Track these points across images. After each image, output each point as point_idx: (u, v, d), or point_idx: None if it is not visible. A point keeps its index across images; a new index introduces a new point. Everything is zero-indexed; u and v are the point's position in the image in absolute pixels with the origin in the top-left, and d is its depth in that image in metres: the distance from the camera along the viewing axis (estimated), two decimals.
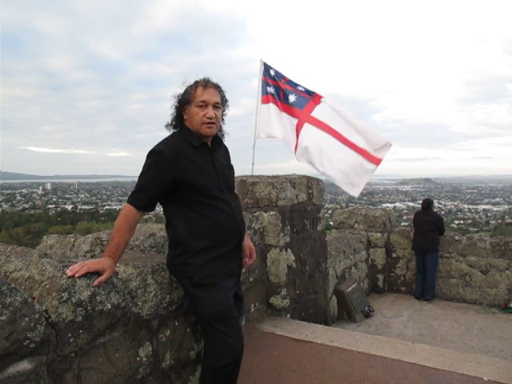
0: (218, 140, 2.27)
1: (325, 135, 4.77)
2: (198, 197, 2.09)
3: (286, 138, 4.94)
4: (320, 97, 4.99)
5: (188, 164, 2.07)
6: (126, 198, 2.11)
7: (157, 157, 2.06)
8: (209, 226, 2.10)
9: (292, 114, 4.98)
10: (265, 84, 5.14)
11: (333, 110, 4.91)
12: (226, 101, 2.25)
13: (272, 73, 5.16)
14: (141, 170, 2.09)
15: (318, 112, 4.91)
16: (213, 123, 2.12)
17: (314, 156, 4.72)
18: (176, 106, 2.19)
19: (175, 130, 2.23)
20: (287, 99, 5.02)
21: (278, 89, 5.13)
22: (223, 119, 2.28)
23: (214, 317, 2.08)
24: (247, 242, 2.45)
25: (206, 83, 2.14)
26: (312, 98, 5.01)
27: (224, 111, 2.26)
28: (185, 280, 2.18)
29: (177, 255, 2.17)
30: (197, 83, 2.15)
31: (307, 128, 4.84)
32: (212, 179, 2.13)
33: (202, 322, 2.18)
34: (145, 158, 2.10)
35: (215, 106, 2.14)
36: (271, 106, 5.08)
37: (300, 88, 5.07)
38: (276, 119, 5.03)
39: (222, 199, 2.14)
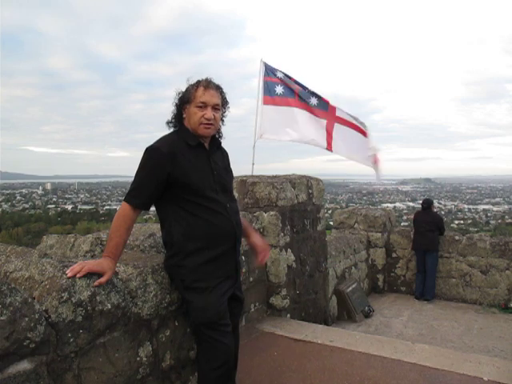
0: (215, 142, 2.27)
1: (352, 132, 5.43)
2: (191, 197, 2.08)
3: (310, 136, 5.23)
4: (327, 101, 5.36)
5: (183, 162, 2.06)
6: None
7: (153, 153, 2.05)
8: (202, 227, 2.08)
9: (318, 115, 5.28)
10: (270, 84, 5.13)
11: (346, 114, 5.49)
12: (226, 102, 2.25)
13: (279, 74, 5.19)
14: (137, 167, 2.09)
15: (340, 113, 5.45)
16: (211, 124, 2.12)
17: (348, 151, 5.47)
18: (176, 104, 2.19)
19: (174, 129, 2.23)
20: (307, 101, 5.23)
21: (291, 90, 5.19)
22: (223, 121, 2.27)
23: (202, 323, 2.09)
24: (255, 239, 2.42)
25: (207, 84, 2.13)
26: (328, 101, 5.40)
27: (224, 113, 2.25)
28: (178, 282, 2.18)
29: (170, 256, 2.17)
30: (198, 83, 2.14)
31: (338, 127, 5.37)
32: (207, 179, 2.12)
33: (193, 325, 2.20)
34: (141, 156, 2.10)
35: (215, 108, 2.13)
36: (283, 108, 5.13)
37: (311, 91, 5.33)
38: (294, 121, 5.16)
39: (216, 200, 2.12)
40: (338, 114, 5.45)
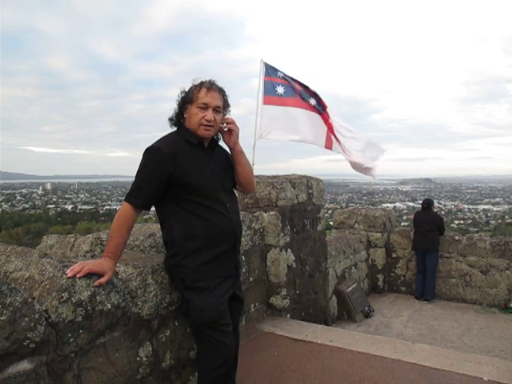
0: (214, 141, 2.27)
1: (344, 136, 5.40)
2: (192, 196, 2.08)
3: (310, 136, 5.22)
4: (325, 105, 5.34)
5: (184, 162, 2.07)
6: None
7: (153, 153, 2.06)
8: (203, 227, 2.08)
9: (319, 113, 5.28)
10: (271, 84, 5.13)
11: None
12: (228, 105, 2.25)
13: (280, 74, 5.19)
14: (137, 167, 2.09)
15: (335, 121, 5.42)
16: (211, 126, 2.12)
17: (346, 151, 5.41)
18: (178, 103, 2.19)
19: (174, 127, 2.23)
20: (308, 100, 5.24)
21: (292, 89, 5.20)
22: (223, 123, 2.27)
23: (203, 322, 2.09)
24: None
25: (210, 86, 2.13)
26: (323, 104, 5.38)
27: (225, 115, 2.25)
28: (178, 282, 2.18)
29: (170, 256, 2.17)
30: (201, 84, 2.14)
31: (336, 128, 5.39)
32: (207, 179, 2.12)
33: (193, 325, 2.20)
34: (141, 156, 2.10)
35: (216, 110, 2.13)
36: (283, 108, 5.13)
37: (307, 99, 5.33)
38: (295, 121, 5.17)
39: (216, 199, 2.13)
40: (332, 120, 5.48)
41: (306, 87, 5.30)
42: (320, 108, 5.32)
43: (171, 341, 2.25)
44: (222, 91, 2.19)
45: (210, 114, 2.10)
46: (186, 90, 2.18)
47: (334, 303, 5.63)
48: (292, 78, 5.28)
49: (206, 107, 2.10)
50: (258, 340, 3.32)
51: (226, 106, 2.23)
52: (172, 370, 2.27)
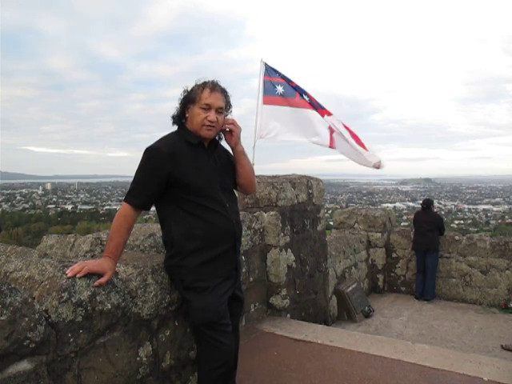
0: (214, 141, 2.27)
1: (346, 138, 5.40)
2: (191, 196, 2.08)
3: (311, 135, 5.19)
4: (326, 112, 5.29)
5: (184, 162, 2.07)
6: None
7: (153, 153, 2.06)
8: (202, 227, 2.08)
9: (320, 113, 5.27)
10: (271, 84, 5.12)
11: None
12: (229, 106, 2.24)
13: (278, 75, 5.18)
14: (137, 167, 2.09)
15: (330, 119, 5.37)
16: (213, 127, 2.12)
17: (348, 150, 5.38)
18: (181, 102, 2.19)
19: (176, 125, 2.23)
20: (307, 101, 5.20)
21: (292, 89, 5.18)
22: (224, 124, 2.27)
23: (202, 323, 2.09)
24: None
25: (213, 86, 2.13)
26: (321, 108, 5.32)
27: (226, 116, 2.24)
28: (178, 282, 2.18)
29: (170, 256, 2.17)
30: (204, 84, 2.14)
31: (339, 127, 5.35)
32: (207, 179, 2.12)
33: (193, 325, 2.20)
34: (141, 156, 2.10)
35: (218, 111, 2.13)
36: (283, 108, 5.11)
37: (306, 98, 5.26)
38: (295, 120, 5.14)
39: (216, 199, 2.12)
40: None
41: (304, 92, 5.27)
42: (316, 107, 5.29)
43: (171, 341, 2.25)
44: (224, 92, 2.18)
45: (212, 115, 2.10)
46: (189, 89, 2.18)
47: (334, 303, 5.63)
48: (290, 80, 5.27)
49: (208, 108, 2.10)
50: (258, 340, 3.32)
51: (228, 106, 2.23)
52: (172, 370, 2.27)
